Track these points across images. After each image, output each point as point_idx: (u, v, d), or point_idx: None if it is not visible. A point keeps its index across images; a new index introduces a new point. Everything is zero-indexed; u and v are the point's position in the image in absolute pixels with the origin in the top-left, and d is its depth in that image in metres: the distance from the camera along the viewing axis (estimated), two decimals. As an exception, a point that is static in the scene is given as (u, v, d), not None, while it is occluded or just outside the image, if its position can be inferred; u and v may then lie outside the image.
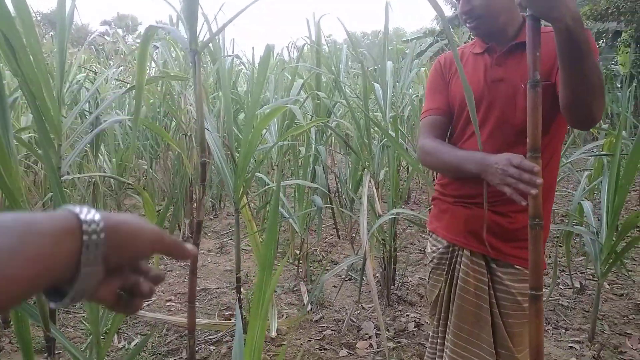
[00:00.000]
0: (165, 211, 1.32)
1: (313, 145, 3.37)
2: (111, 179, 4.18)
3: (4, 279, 0.34)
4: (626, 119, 4.38)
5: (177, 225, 3.81)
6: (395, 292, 2.79)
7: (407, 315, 2.60)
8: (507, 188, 0.98)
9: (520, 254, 1.15)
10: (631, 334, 2.37)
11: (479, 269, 1.19)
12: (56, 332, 1.39)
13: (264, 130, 3.08)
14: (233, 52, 4.48)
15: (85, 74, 4.20)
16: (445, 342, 1.28)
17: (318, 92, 2.98)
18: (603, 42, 9.06)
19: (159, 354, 2.23)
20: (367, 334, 2.42)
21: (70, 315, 2.60)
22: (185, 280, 3.12)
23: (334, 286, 2.99)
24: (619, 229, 2.02)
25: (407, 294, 2.83)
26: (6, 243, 0.34)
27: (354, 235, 3.69)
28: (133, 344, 2.32)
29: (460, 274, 1.22)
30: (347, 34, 2.73)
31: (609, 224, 2.08)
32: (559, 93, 1.03)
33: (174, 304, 2.78)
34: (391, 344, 2.29)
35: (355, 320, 2.57)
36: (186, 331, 2.41)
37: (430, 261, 1.34)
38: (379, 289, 2.83)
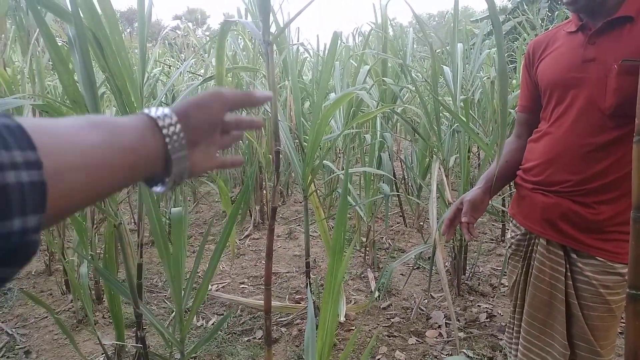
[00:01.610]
0: (241, 198, 1.38)
1: (378, 132, 3.34)
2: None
3: (105, 167, 0.38)
4: None
5: (248, 211, 3.95)
6: (466, 282, 2.73)
7: (478, 305, 2.53)
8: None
9: (603, 245, 1.08)
10: None
11: (555, 259, 1.14)
12: (145, 308, 1.51)
13: (330, 118, 3.10)
14: (298, 41, 4.52)
15: (160, 68, 4.44)
16: (520, 330, 1.25)
17: (384, 79, 2.94)
18: None
19: (234, 333, 2.35)
20: (436, 323, 2.39)
21: (153, 294, 2.80)
22: (257, 264, 3.25)
23: (402, 274, 2.97)
24: None
25: (479, 284, 2.75)
26: (100, 136, 0.38)
27: (421, 223, 3.64)
28: (210, 322, 2.46)
29: (535, 262, 1.18)
30: (414, 16, 2.66)
31: None
32: None
33: (247, 286, 2.91)
34: (462, 334, 2.25)
35: (424, 309, 2.54)
36: (259, 312, 2.53)
37: (509, 247, 1.31)
38: (448, 279, 2.77)
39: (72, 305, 2.53)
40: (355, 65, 3.42)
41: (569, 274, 1.13)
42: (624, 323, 0.90)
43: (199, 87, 2.38)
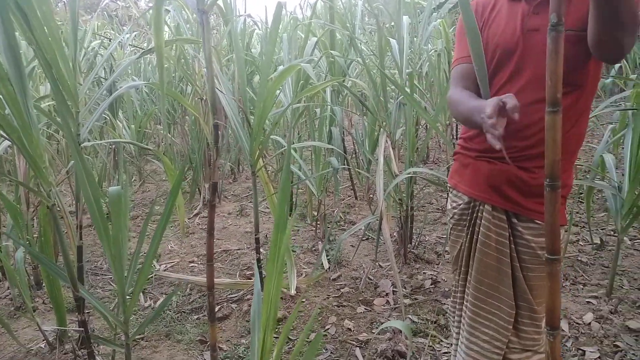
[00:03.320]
0: (180, 175, 1.34)
1: (329, 106, 3.34)
2: (131, 146, 4.24)
3: None
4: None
5: (197, 189, 3.88)
6: (412, 250, 2.82)
7: (424, 272, 2.63)
8: (489, 136, 0.96)
9: (541, 208, 1.13)
10: (651, 288, 2.36)
11: (500, 224, 1.18)
12: (84, 292, 1.46)
13: (278, 92, 3.06)
14: (245, 12, 4.39)
15: (99, 41, 4.20)
16: (466, 296, 1.29)
17: (332, 52, 2.91)
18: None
19: (184, 312, 2.33)
20: (384, 291, 2.46)
21: (99, 277, 2.71)
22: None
23: (352, 246, 3.03)
24: (642, 183, 1.97)
25: (424, 252, 2.86)
26: None
27: (371, 196, 3.70)
28: (158, 303, 2.42)
29: (481, 228, 1.21)
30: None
31: (631, 178, 2.03)
32: (588, 32, 0.97)
33: (196, 265, 2.87)
34: (407, 301, 2.34)
35: (372, 278, 2.62)
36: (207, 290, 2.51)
37: (451, 217, 1.33)
38: (396, 248, 2.86)
39: (10, 293, 2.41)
40: (303, 37, 3.37)
41: (511, 238, 1.18)
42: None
43: (138, 60, 2.26)
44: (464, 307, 1.29)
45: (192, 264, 2.89)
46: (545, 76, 0.82)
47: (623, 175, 2.23)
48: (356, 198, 4.04)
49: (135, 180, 4.54)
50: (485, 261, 1.21)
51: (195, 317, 2.29)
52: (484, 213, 1.20)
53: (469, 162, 1.24)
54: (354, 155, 4.39)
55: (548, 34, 0.78)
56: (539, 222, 1.13)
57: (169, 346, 2.08)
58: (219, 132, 1.09)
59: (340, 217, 3.65)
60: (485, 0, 1.23)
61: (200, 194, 3.84)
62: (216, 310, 2.34)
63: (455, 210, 1.29)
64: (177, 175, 1.59)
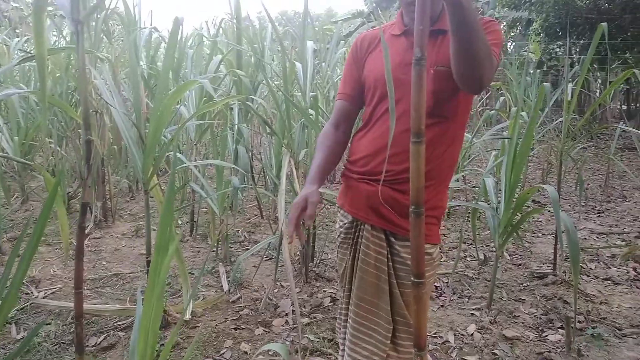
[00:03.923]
0: (54, 190, 1.23)
1: (236, 126, 3.30)
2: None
3: None
4: (524, 102, 4.70)
5: (88, 208, 3.59)
6: (313, 269, 2.85)
7: (324, 291, 2.66)
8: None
9: None
10: (525, 299, 2.60)
11: (378, 242, 1.23)
12: None
13: (181, 107, 2.97)
14: (151, 25, 4.24)
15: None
16: (349, 313, 1.33)
17: (237, 70, 2.90)
18: (517, 30, 9.66)
19: (63, 343, 2.12)
20: (283, 311, 2.45)
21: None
22: (96, 265, 2.98)
23: (254, 266, 2.99)
24: (515, 204, 2.19)
25: (325, 271, 2.90)
26: None
27: (277, 215, 3.69)
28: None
29: (362, 247, 1.26)
30: (264, 10, 2.67)
31: (506, 199, 2.24)
32: (452, 65, 1.06)
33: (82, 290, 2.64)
34: (306, 320, 2.34)
35: (273, 298, 2.59)
36: (94, 318, 2.32)
37: (338, 236, 1.38)
38: (298, 267, 2.87)
39: None
40: (209, 54, 3.33)
41: (389, 256, 1.24)
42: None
43: (17, 66, 2.07)
44: (347, 324, 1.32)
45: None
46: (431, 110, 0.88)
47: (500, 197, 2.47)
48: (262, 217, 4.01)
49: (17, 197, 4.10)
50: (365, 279, 1.25)
51: (77, 348, 2.10)
52: (364, 232, 1.25)
53: (352, 183, 1.29)
54: (262, 175, 4.37)
55: (412, 68, 0.80)
56: None
57: (43, 382, 1.87)
58: (91, 148, 1.02)
59: (245, 237, 3.60)
60: (372, 35, 1.31)
61: (92, 213, 3.57)
62: (101, 339, 2.16)
63: (342, 229, 1.34)
64: (51, 191, 1.46)
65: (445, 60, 1.12)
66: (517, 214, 2.25)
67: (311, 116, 2.89)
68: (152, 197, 2.28)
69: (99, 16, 3.53)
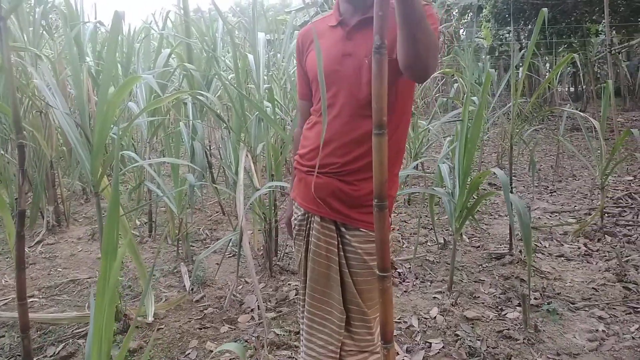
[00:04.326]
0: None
1: (190, 121, 3.22)
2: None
3: None
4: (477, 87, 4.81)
5: (39, 213, 3.44)
6: (277, 263, 2.83)
7: (289, 284, 2.65)
8: None
9: (364, 218, 1.21)
10: (484, 280, 2.68)
11: (329, 233, 1.24)
12: None
13: (129, 104, 2.87)
14: (95, 19, 4.06)
15: None
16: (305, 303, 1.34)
17: (186, 64, 2.82)
18: (468, 16, 9.88)
19: (19, 355, 2.02)
20: (249, 307, 2.42)
21: None
22: (51, 272, 2.85)
23: (217, 264, 2.94)
24: (468, 188, 2.24)
25: (290, 264, 2.89)
26: None
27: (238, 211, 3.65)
28: (-15, 349, 2.07)
29: (312, 239, 1.26)
30: (213, 3, 2.60)
31: (460, 184, 2.29)
32: (398, 55, 1.05)
33: (37, 299, 2.53)
34: (272, 314, 2.33)
35: (238, 295, 2.56)
36: (51, 327, 2.23)
37: (294, 228, 1.38)
38: (262, 262, 2.85)
39: None
40: (156, 48, 3.22)
41: (340, 246, 1.25)
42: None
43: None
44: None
45: (32, 299, 2.53)
46: (370, 99, 0.85)
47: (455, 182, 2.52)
48: (224, 214, 3.95)
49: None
50: (316, 269, 1.26)
51: (35, 359, 2.01)
52: (314, 224, 1.26)
53: (302, 176, 1.29)
54: (223, 171, 4.29)
55: (373, 57, 0.78)
56: (363, 229, 1.21)
57: (-4, 399, 1.78)
58: (24, 152, 0.96)
59: (207, 235, 3.54)
60: (310, 29, 1.30)
61: (44, 219, 3.41)
62: (60, 348, 2.08)
63: (296, 222, 1.34)
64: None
65: None
66: (472, 197, 2.31)
67: (268, 109, 2.86)
68: (104, 199, 2.20)
69: (37, 9, 3.36)
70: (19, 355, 2.03)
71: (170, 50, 2.79)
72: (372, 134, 0.78)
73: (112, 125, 1.94)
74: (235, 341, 2.13)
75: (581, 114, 2.87)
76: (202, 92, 2.57)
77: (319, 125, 1.24)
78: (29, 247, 3.18)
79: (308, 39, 1.29)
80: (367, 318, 1.25)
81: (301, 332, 1.39)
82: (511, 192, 3.14)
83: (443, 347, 2.05)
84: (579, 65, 5.99)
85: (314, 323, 1.29)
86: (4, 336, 2.16)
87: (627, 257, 2.87)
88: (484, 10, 9.81)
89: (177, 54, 3.24)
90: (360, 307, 1.24)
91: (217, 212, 4.04)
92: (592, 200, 4.16)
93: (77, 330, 2.21)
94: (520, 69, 2.53)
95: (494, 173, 2.21)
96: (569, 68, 10.63)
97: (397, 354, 1.99)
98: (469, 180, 2.27)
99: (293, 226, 1.38)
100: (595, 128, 3.05)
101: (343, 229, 1.24)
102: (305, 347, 1.31)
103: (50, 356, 2.02)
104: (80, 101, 1.93)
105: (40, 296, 2.57)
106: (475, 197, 2.52)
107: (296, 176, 1.35)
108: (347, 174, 1.20)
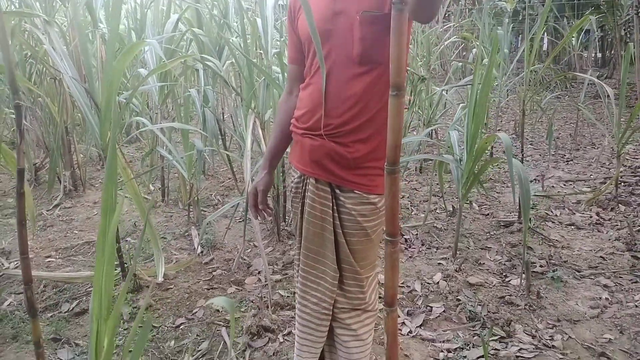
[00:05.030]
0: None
1: (202, 88, 3.23)
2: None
3: None
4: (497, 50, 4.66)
5: (56, 177, 3.54)
6: (285, 227, 2.88)
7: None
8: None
9: (359, 180, 1.22)
10: (491, 247, 2.68)
11: (324, 195, 1.25)
12: None
13: (140, 70, 2.89)
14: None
15: None
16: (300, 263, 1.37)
17: (194, 29, 2.81)
18: (491, -21, 9.45)
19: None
20: (256, 269, 2.49)
21: None
22: (68, 234, 2.96)
23: (228, 228, 3.00)
24: (474, 154, 2.21)
25: (297, 229, 2.93)
26: None
27: (253, 178, 3.69)
28: (6, 304, 2.19)
29: (307, 200, 1.28)
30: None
31: (468, 150, 2.27)
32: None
33: (54, 259, 2.64)
34: (278, 276, 2.39)
35: (246, 258, 2.63)
36: (66, 285, 2.33)
37: (290, 191, 1.40)
38: (270, 226, 2.90)
39: None
40: (165, 13, 3.20)
41: (335, 207, 1.26)
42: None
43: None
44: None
45: (49, 259, 2.65)
46: (362, 57, 0.82)
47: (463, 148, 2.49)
48: (236, 180, 4.00)
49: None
50: (311, 230, 1.28)
51: (50, 314, 2.12)
52: (309, 186, 1.27)
53: (298, 139, 1.30)
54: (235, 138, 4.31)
55: (393, 10, 0.73)
56: (358, 191, 1.22)
57: (16, 348, 1.90)
58: (21, 112, 0.98)
59: (219, 200, 3.60)
60: None
61: (61, 183, 3.52)
62: (74, 305, 2.18)
63: (292, 185, 1.35)
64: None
65: (371, 4, 1.11)
66: (478, 163, 2.28)
67: (277, 74, 2.84)
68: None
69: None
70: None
71: (179, 15, 2.78)
72: (389, 95, 0.74)
73: (119, 91, 1.96)
74: (241, 302, 2.20)
75: (596, 80, 2.77)
76: (208, 57, 2.56)
77: (312, 87, 1.23)
78: (47, 210, 3.29)
79: (299, 2, 1.27)
80: (359, 277, 1.28)
81: (296, 290, 1.43)
82: (522, 159, 3.09)
83: (444, 311, 2.09)
84: (607, 29, 5.72)
85: (308, 281, 1.33)
86: (21, 293, 2.27)
87: (639, 226, 2.83)
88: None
89: (186, 20, 3.22)
90: (353, 266, 1.26)
91: (229, 179, 4.09)
92: (610, 169, 4.07)
93: (90, 289, 2.31)
94: (535, 33, 2.44)
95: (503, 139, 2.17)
96: (596, 32, 10.17)
97: (398, 316, 2.03)
98: (476, 145, 2.24)
99: (290, 189, 1.40)
100: (621, 95, 2.95)
101: (338, 191, 1.25)
102: (300, 304, 1.35)
103: (65, 312, 2.13)
104: (88, 67, 1.96)
105: (57, 256, 2.68)
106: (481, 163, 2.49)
107: (293, 139, 1.36)
108: (342, 135, 1.20)
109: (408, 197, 3.54)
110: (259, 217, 1.43)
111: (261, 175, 1.40)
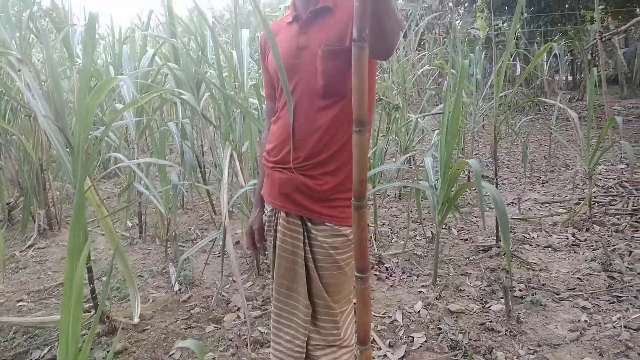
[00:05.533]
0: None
1: (180, 122, 3.24)
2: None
3: None
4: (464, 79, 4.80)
5: (30, 216, 3.46)
6: (265, 261, 2.85)
7: (276, 282, 2.66)
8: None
9: (329, 212, 1.22)
10: (470, 272, 2.69)
11: (295, 228, 1.25)
12: None
13: (118, 105, 2.88)
14: (85, 21, 4.07)
15: None
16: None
17: (169, 64, 2.83)
18: (461, 7, 9.83)
19: (4, 359, 2.05)
20: (235, 306, 2.44)
21: None
22: (41, 276, 2.88)
23: (207, 264, 2.96)
24: (448, 180, 2.24)
25: (277, 262, 2.90)
26: None
27: (231, 210, 3.66)
28: (-28, 353, 2.10)
29: (278, 234, 1.27)
30: (194, 2, 2.61)
31: (442, 176, 2.30)
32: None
33: (25, 303, 2.55)
34: (258, 312, 2.35)
35: (225, 294, 2.58)
36: (37, 331, 2.25)
37: (265, 224, 1.38)
38: (249, 260, 2.86)
39: None
40: (141, 48, 3.23)
41: (306, 240, 1.25)
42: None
43: None
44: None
45: (21, 303, 2.56)
46: (326, 90, 0.83)
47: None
48: (215, 213, 3.96)
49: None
50: (282, 264, 1.27)
51: (19, 363, 2.03)
52: (280, 220, 1.26)
53: (268, 172, 1.30)
54: (215, 169, 4.29)
55: (353, 47, 0.72)
56: (329, 224, 1.22)
57: (-18, 402, 1.81)
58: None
59: (197, 235, 3.55)
60: (272, 28, 1.31)
61: (35, 222, 3.44)
62: (45, 351, 2.10)
63: (266, 218, 1.35)
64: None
65: (332, 39, 1.14)
66: (452, 189, 2.31)
67: (255, 106, 2.87)
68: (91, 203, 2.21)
69: (24, 15, 3.36)
70: (5, 358, 2.06)
71: (154, 50, 2.80)
72: (353, 131, 0.73)
73: (96, 126, 1.95)
74: (219, 340, 2.14)
75: (560, 105, 2.86)
76: (183, 92, 2.58)
77: (281, 120, 1.25)
78: (20, 252, 3.20)
79: (269, 40, 1.30)
80: (333, 312, 1.26)
81: (270, 327, 1.40)
82: (496, 183, 3.14)
83: (425, 341, 2.06)
84: (575, 53, 5.95)
85: (280, 318, 1.31)
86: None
87: (613, 246, 2.87)
88: (477, 0, 9.78)
89: (163, 54, 3.25)
90: (326, 301, 1.25)
91: (208, 212, 4.05)
92: (584, 190, 4.16)
93: (65, 332, 2.23)
94: (502, 59, 2.54)
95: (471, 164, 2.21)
96: (565, 57, 10.58)
97: (380, 349, 2.00)
98: (450, 172, 2.27)
99: (265, 223, 1.39)
100: (588, 117, 3.03)
101: (309, 224, 1.24)
102: (273, 342, 1.32)
103: (36, 359, 2.04)
104: (61, 104, 1.95)
105: (29, 300, 2.59)
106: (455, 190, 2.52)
107: (265, 172, 1.36)
108: (310, 167, 1.21)
109: (388, 224, 3.55)
110: (259, 254, 1.45)
111: (254, 214, 1.41)
